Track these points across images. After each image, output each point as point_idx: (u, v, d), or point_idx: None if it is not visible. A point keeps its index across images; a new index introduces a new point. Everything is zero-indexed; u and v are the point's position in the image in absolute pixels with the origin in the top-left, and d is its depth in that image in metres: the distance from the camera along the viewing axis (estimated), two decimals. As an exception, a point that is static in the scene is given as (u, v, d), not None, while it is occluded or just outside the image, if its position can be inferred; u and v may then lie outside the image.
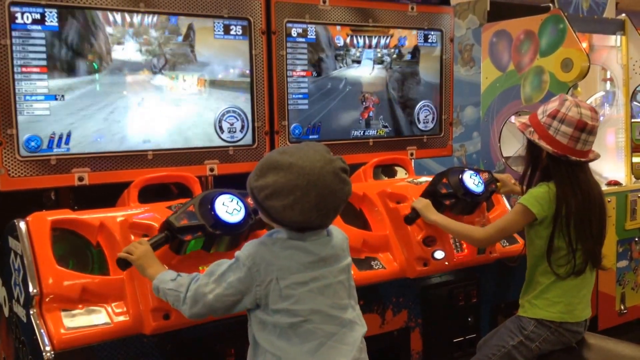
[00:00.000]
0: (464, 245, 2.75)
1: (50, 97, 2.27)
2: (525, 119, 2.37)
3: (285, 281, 1.69)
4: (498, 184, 2.79)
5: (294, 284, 1.69)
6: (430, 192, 2.68)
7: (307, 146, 1.72)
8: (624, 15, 4.13)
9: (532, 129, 2.31)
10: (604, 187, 3.63)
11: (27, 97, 2.23)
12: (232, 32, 2.62)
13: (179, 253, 2.06)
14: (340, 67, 2.95)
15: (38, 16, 2.22)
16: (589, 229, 2.28)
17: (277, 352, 1.70)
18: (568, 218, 2.25)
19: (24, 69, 2.22)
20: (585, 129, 2.24)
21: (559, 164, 2.28)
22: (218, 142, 2.63)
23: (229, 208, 2.05)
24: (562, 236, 2.27)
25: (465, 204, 2.66)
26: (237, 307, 1.74)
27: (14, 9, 2.18)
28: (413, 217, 2.61)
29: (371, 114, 3.08)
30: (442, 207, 2.62)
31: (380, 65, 3.07)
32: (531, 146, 2.35)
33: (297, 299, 1.69)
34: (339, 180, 1.68)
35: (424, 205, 2.60)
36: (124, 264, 1.96)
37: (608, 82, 4.54)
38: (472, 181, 2.69)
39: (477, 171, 2.78)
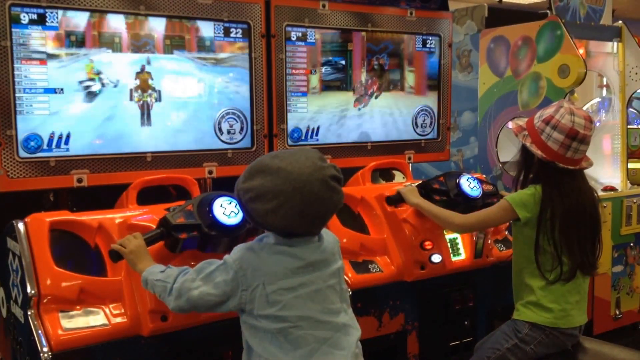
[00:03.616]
0: (461, 250, 2.76)
1: (50, 90, 2.27)
2: (522, 122, 2.39)
3: (272, 286, 1.68)
4: (501, 200, 2.78)
5: (281, 289, 1.68)
6: (422, 185, 2.70)
7: (300, 151, 1.72)
8: (620, 22, 4.16)
9: (526, 133, 2.33)
10: (599, 193, 3.65)
11: (27, 93, 2.23)
12: (232, 35, 2.63)
13: (174, 251, 2.07)
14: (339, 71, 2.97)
15: (38, 17, 2.22)
16: (576, 235, 2.29)
17: (270, 358, 1.70)
18: (553, 222, 2.27)
19: (24, 70, 2.22)
20: (577, 138, 2.26)
21: (548, 169, 2.30)
22: (217, 145, 2.64)
23: (227, 210, 2.06)
24: (547, 240, 2.29)
25: (456, 205, 2.65)
26: (220, 308, 1.74)
27: (14, 10, 2.18)
28: (395, 199, 2.64)
29: (370, 117, 3.09)
30: (432, 203, 2.61)
31: (378, 69, 3.08)
32: (524, 150, 2.37)
33: (284, 304, 1.68)
34: (327, 188, 1.66)
35: (409, 190, 2.63)
36: (116, 256, 1.97)
37: (604, 89, 4.57)
38: (468, 184, 2.70)
39: (481, 181, 2.78)
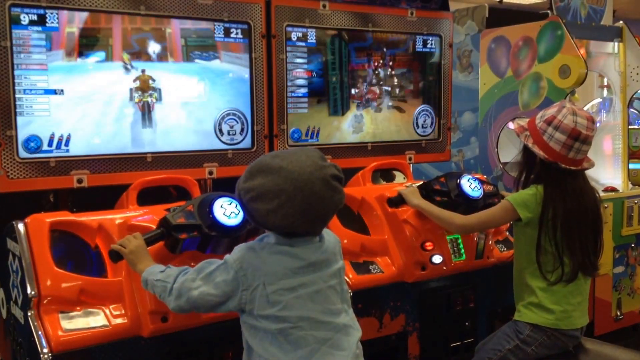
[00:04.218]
0: (462, 250, 2.75)
1: (50, 91, 2.27)
2: (524, 122, 2.38)
3: (273, 287, 1.67)
4: (502, 200, 2.77)
5: (282, 289, 1.67)
6: (423, 186, 2.70)
7: (301, 151, 1.71)
8: (621, 22, 4.15)
9: (528, 133, 2.33)
10: (600, 194, 3.65)
11: (27, 93, 2.23)
12: (232, 36, 2.62)
13: (174, 252, 2.06)
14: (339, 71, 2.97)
15: (39, 17, 2.22)
16: (578, 236, 2.28)
17: (271, 358, 1.69)
18: (555, 223, 2.26)
19: (24, 71, 2.22)
20: (579, 138, 2.25)
21: (550, 170, 2.29)
22: (217, 145, 2.64)
23: (227, 211, 2.05)
24: (549, 240, 2.28)
25: (457, 206, 2.64)
26: (220, 308, 1.74)
27: (14, 10, 2.18)
28: (397, 200, 2.63)
29: (370, 118, 3.08)
30: (433, 204, 2.61)
31: (379, 69, 3.07)
32: (526, 150, 2.37)
33: (284, 305, 1.67)
34: (328, 188, 1.66)
35: (410, 191, 2.62)
36: (115, 256, 1.97)
37: (605, 89, 4.56)
38: (469, 184, 2.69)
39: (482, 181, 2.78)
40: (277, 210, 1.63)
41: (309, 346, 1.68)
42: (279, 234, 1.73)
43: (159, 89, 2.47)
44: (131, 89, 2.42)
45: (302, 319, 1.68)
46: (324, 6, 2.88)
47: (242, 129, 2.69)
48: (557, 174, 2.29)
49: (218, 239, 2.06)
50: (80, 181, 2.36)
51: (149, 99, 2.45)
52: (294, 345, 1.68)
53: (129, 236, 1.99)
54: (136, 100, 2.43)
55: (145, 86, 2.44)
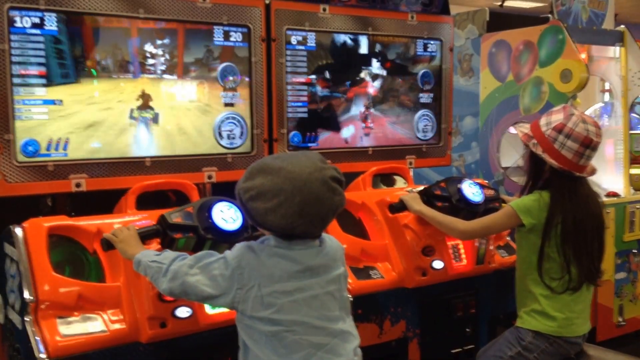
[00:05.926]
0: (463, 256, 2.74)
1: (49, 101, 2.26)
2: (526, 129, 2.35)
3: (268, 289, 1.67)
4: (503, 204, 2.75)
5: (277, 292, 1.67)
6: (423, 191, 2.68)
7: (301, 153, 1.73)
8: (623, 26, 4.14)
9: (536, 141, 2.29)
10: (603, 199, 3.63)
11: (26, 102, 2.22)
12: (232, 39, 2.61)
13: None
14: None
15: (37, 20, 2.21)
16: (584, 243, 2.26)
17: (266, 359, 1.68)
18: (563, 231, 2.24)
19: (22, 74, 2.21)
20: (590, 146, 2.24)
21: (561, 178, 2.27)
22: (217, 149, 2.62)
23: (226, 215, 2.04)
24: (556, 248, 2.26)
25: (458, 211, 2.62)
26: (211, 301, 1.73)
27: (12, 13, 2.17)
28: (398, 207, 2.62)
29: (371, 122, 3.07)
30: (434, 209, 2.60)
31: (379, 73, 3.06)
32: (534, 158, 2.33)
33: (278, 308, 1.66)
34: (327, 189, 1.66)
35: (412, 197, 2.61)
36: (106, 244, 1.96)
37: (607, 93, 4.56)
38: (470, 190, 2.68)
39: (483, 186, 2.76)
40: (276, 210, 1.63)
41: (303, 350, 1.67)
42: (278, 235, 1.72)
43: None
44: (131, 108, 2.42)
45: (295, 323, 1.67)
46: (324, 10, 2.87)
47: (242, 133, 2.68)
48: (567, 181, 2.26)
49: (215, 244, 2.04)
50: (78, 185, 2.35)
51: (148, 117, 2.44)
52: (288, 349, 1.66)
53: (122, 227, 1.98)
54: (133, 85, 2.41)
55: (145, 97, 2.44)
